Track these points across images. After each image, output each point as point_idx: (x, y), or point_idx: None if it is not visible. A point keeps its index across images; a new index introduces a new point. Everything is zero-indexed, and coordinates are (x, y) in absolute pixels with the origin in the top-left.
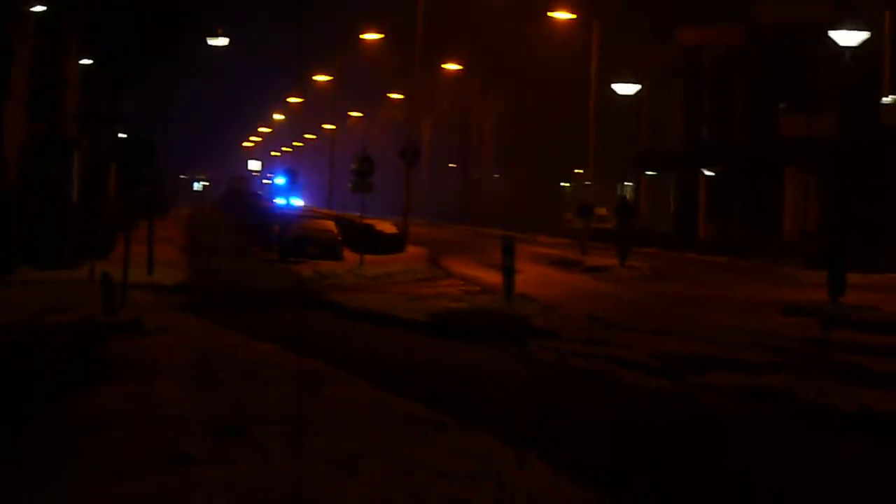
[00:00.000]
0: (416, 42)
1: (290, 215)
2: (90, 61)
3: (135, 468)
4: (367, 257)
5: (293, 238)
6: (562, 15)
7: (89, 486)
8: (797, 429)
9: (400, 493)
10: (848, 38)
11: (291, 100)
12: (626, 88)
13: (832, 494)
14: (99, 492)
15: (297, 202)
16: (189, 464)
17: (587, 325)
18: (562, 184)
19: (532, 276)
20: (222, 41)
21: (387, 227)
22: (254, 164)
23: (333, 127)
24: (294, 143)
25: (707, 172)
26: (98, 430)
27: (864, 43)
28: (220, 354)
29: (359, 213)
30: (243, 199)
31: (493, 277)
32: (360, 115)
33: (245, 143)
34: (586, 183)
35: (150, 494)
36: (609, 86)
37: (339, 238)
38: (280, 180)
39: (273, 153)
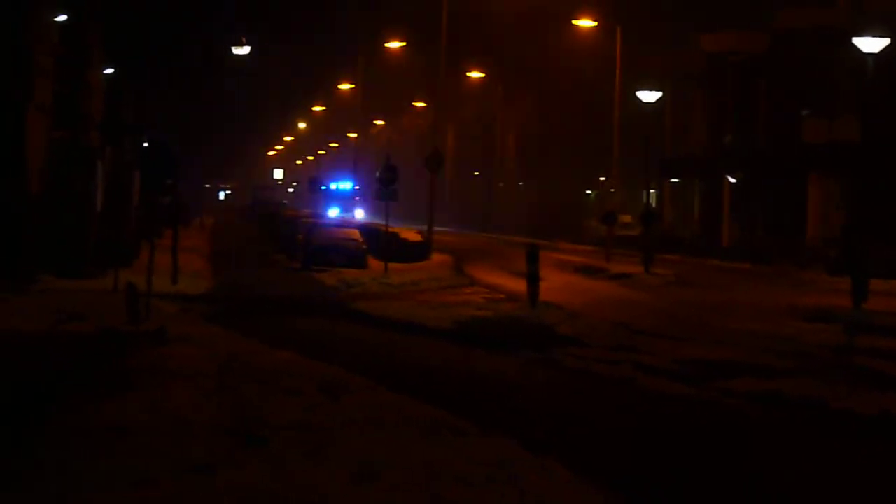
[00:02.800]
0: (440, 50)
1: (315, 224)
2: (113, 70)
3: (155, 475)
4: (392, 265)
5: (318, 247)
6: (585, 22)
7: (110, 494)
8: (819, 434)
9: (420, 500)
10: (870, 44)
11: (315, 108)
12: (649, 95)
13: (850, 499)
14: (119, 499)
15: (360, 214)
16: (209, 471)
17: (612, 331)
18: (586, 191)
19: (556, 283)
20: (245, 50)
21: (411, 235)
22: (278, 173)
23: (356, 135)
24: (319, 152)
25: (731, 179)
26: (119, 438)
27: (887, 49)
28: (242, 363)
29: (384, 221)
30: (268, 207)
31: (518, 285)
32: (383, 123)
33: (269, 152)
34: (611, 190)
35: (170, 502)
36: (632, 93)
37: (364, 246)
38: (344, 185)
39: (297, 161)
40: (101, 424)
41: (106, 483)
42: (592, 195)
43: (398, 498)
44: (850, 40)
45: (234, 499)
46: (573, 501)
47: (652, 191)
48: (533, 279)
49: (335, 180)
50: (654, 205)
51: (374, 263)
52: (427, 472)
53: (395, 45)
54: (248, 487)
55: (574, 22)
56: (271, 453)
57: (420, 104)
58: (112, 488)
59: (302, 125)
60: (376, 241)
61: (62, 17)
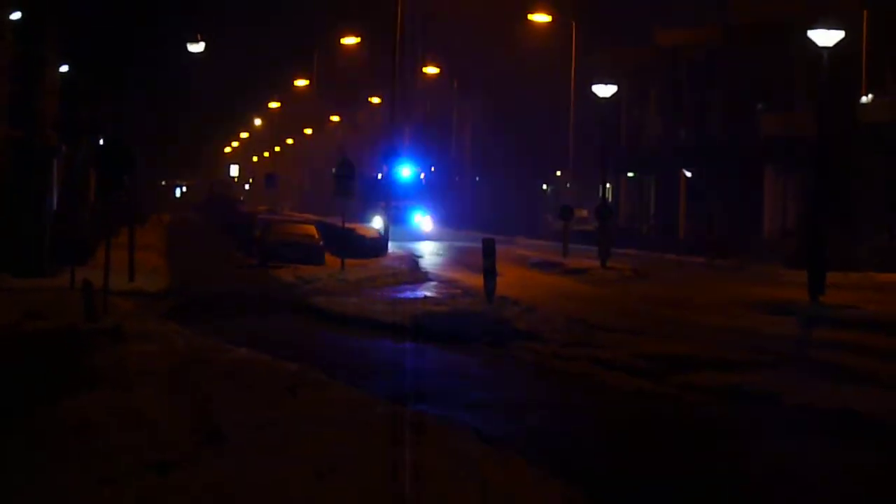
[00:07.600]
0: (394, 46)
1: (270, 220)
2: (68, 68)
3: (117, 474)
4: (349, 261)
5: (274, 243)
6: (540, 17)
7: (72, 493)
8: (779, 428)
9: (380, 494)
10: (825, 37)
11: (271, 105)
12: (604, 90)
13: (807, 494)
14: (82, 498)
15: (427, 224)
16: (170, 469)
17: (568, 326)
18: (542, 186)
19: (513, 278)
20: (200, 47)
21: (368, 231)
22: (233, 170)
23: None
24: (275, 148)
25: (686, 173)
26: (80, 436)
27: (842, 42)
28: (202, 360)
29: (340, 218)
30: (225, 204)
31: (474, 280)
32: (338, 119)
33: (225, 149)
34: (566, 185)
35: (133, 499)
36: (588, 87)
37: (321, 243)
38: (405, 171)
39: (254, 158)
40: (64, 423)
41: (70, 482)
42: (548, 190)
43: (360, 494)
44: (806, 34)
45: (197, 495)
46: (533, 494)
47: (608, 185)
48: (490, 274)
49: (390, 163)
50: (610, 199)
51: (331, 260)
52: (387, 467)
53: (350, 40)
54: (209, 484)
55: (529, 17)
56: (231, 450)
57: (376, 100)
58: (77, 487)
59: (258, 122)
60: (333, 237)
61: (17, 15)
